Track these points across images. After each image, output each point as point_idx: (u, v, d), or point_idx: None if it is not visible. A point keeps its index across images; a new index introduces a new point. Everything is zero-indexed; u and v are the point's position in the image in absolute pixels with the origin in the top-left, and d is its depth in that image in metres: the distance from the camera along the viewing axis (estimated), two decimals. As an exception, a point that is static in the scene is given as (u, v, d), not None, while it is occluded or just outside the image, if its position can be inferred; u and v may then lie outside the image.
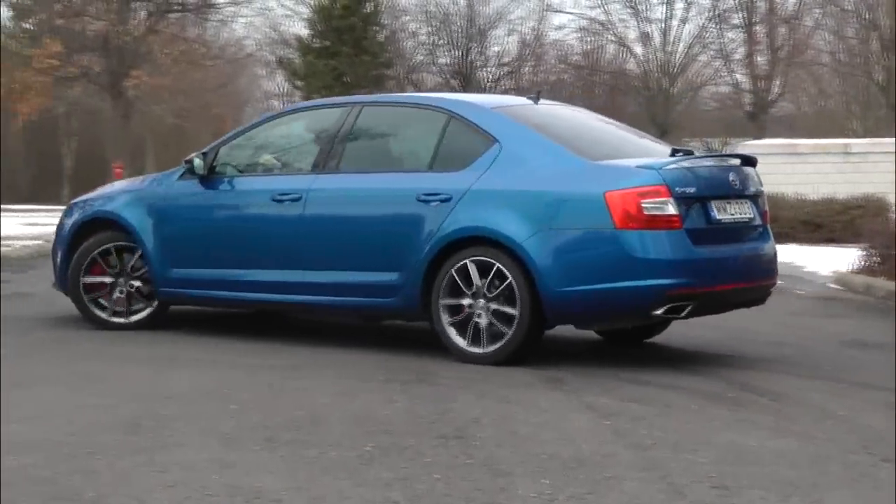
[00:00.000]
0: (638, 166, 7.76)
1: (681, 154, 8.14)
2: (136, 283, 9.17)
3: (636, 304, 7.60)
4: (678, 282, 7.54)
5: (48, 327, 9.28)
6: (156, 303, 9.17)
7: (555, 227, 7.65)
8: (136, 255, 9.13)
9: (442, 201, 7.98)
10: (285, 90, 50.64)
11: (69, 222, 9.54)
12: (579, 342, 8.92)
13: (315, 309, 8.86)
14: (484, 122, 8.19)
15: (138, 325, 9.14)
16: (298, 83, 43.89)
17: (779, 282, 8.84)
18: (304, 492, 4.71)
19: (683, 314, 7.70)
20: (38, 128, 44.60)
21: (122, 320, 9.17)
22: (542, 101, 8.90)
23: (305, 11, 46.20)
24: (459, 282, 7.85)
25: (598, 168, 7.79)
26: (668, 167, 7.74)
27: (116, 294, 9.20)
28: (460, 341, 7.85)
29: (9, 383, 6.93)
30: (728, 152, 9.81)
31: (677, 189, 7.63)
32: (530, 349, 7.84)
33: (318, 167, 8.66)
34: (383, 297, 8.19)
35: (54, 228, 9.97)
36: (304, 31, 45.76)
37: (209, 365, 7.68)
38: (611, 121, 9.32)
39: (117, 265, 9.20)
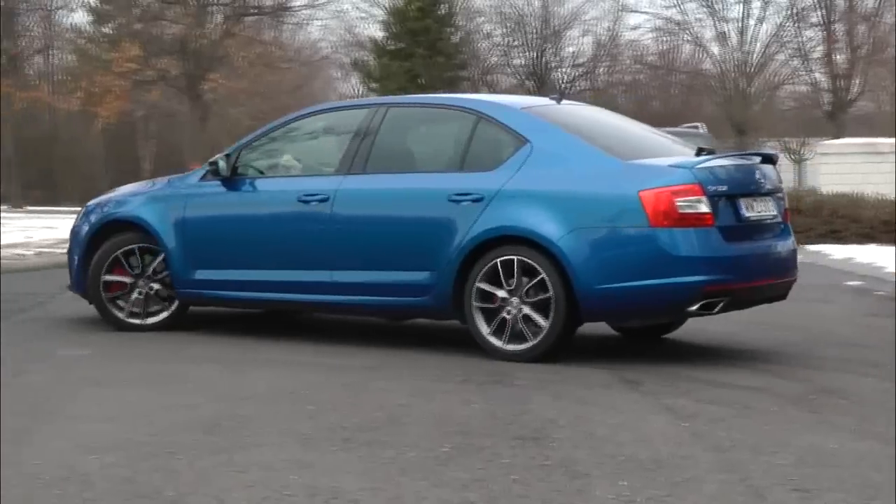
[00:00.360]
0: (670, 165, 7.91)
1: (705, 154, 8.25)
2: (156, 286, 9.19)
3: (672, 300, 7.78)
4: (713, 278, 7.70)
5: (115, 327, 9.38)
6: (173, 305, 9.20)
7: (589, 226, 7.79)
8: (159, 258, 9.15)
9: (474, 201, 8.08)
10: (360, 92, 50.87)
11: (86, 225, 9.52)
12: (655, 344, 8.87)
13: (342, 309, 8.94)
14: (514, 122, 8.31)
15: (155, 328, 9.15)
16: (373, 85, 44.02)
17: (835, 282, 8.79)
18: (382, 492, 4.72)
19: (716, 310, 7.85)
20: (117, 131, 45.09)
21: (138, 321, 9.18)
22: (563, 101, 9.04)
23: (380, 14, 46.40)
24: (492, 280, 7.95)
25: (631, 167, 7.92)
26: (700, 166, 7.87)
27: (135, 295, 9.20)
28: (493, 339, 7.95)
29: (88, 382, 7.03)
30: (750, 151, 9.99)
31: (709, 187, 7.78)
32: (563, 346, 7.93)
33: (345, 168, 8.71)
34: (414, 296, 8.29)
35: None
36: (378, 34, 45.91)
37: (285, 365, 7.73)
38: (633, 121, 9.51)
39: (138, 267, 9.22)
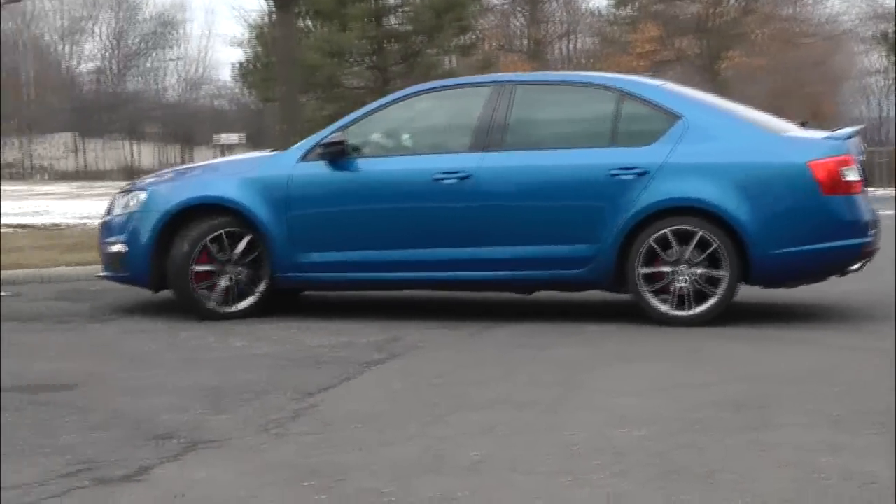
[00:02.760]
0: (824, 138, 8.57)
1: (805, 127, 9.05)
2: (243, 271, 8.97)
3: (837, 261, 8.50)
4: (869, 240, 8.51)
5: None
6: (258, 291, 8.94)
7: (761, 195, 8.30)
8: (245, 241, 8.91)
9: (638, 175, 8.37)
10: (883, 66, 48.81)
11: (153, 208, 9.03)
12: None
13: (485, 284, 8.87)
14: (661, 98, 8.71)
15: (241, 315, 8.89)
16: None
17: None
18: (920, 480, 4.51)
19: (857, 268, 8.66)
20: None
21: (229, 309, 8.92)
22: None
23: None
24: (659, 250, 8.35)
25: (790, 140, 8.60)
26: (846, 139, 8.55)
27: (223, 282, 8.94)
28: (662, 306, 8.40)
29: (616, 357, 7.20)
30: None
31: (856, 157, 8.50)
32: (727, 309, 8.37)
33: (481, 146, 8.75)
34: (572, 268, 8.53)
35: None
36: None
37: (808, 344, 7.56)
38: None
39: (225, 252, 8.94)
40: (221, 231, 8.91)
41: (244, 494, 4.39)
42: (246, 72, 33.28)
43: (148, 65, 67.34)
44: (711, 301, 8.38)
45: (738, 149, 8.46)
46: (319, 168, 8.91)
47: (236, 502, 4.30)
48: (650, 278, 8.44)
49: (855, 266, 8.60)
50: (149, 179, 9.67)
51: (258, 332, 8.18)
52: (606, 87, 8.92)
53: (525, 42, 51.69)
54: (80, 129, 58.28)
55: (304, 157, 8.98)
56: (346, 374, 6.71)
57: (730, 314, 8.53)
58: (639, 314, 8.53)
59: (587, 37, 51.18)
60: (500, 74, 10.71)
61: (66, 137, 57.39)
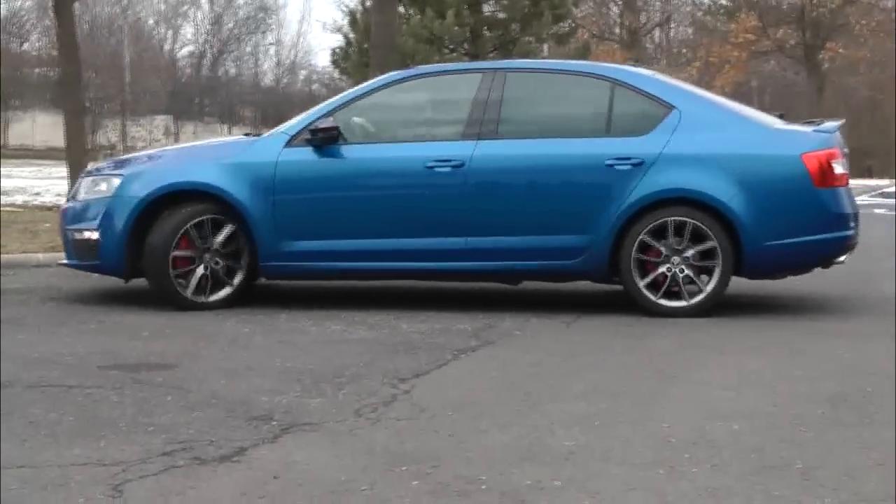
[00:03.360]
0: (813, 131, 8.67)
1: (782, 120, 9.07)
2: (221, 260, 8.64)
3: (826, 253, 8.60)
4: (853, 232, 8.64)
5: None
6: (235, 281, 8.67)
7: (756, 187, 8.36)
8: (225, 230, 8.61)
9: (634, 165, 8.37)
10: None
11: (131, 193, 8.61)
12: None
13: (478, 274, 8.78)
14: (653, 89, 8.72)
15: (216, 306, 8.59)
16: None
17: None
18: None
19: (843, 260, 8.79)
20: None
21: (203, 299, 8.60)
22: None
23: None
24: (653, 241, 8.37)
25: (782, 132, 8.71)
26: (833, 132, 8.65)
27: (200, 271, 8.60)
28: (655, 297, 8.40)
29: (710, 349, 7.15)
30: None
31: (843, 150, 8.62)
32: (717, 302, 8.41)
33: (473, 133, 8.64)
34: (565, 259, 8.47)
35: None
36: None
37: (868, 340, 7.46)
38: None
39: (203, 240, 8.61)
40: (203, 218, 8.57)
41: (341, 478, 4.42)
42: (340, 57, 33.40)
43: (246, 49, 67.99)
44: (704, 293, 8.43)
45: (733, 140, 8.52)
46: (307, 154, 8.67)
47: (332, 485, 4.34)
48: (643, 269, 8.46)
49: (842, 258, 8.72)
50: (119, 163, 9.35)
51: (354, 317, 8.23)
52: (598, 76, 8.91)
53: (621, 31, 51.41)
54: (177, 112, 59.03)
55: (290, 143, 8.69)
56: (440, 361, 6.73)
57: (818, 307, 8.43)
58: (729, 306, 8.45)
59: (684, 26, 50.83)
60: (488, 62, 10.69)
61: (163, 120, 58.18)
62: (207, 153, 9.17)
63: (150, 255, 8.55)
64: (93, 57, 44.92)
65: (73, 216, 8.92)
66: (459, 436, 5.05)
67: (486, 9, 30.84)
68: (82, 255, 8.82)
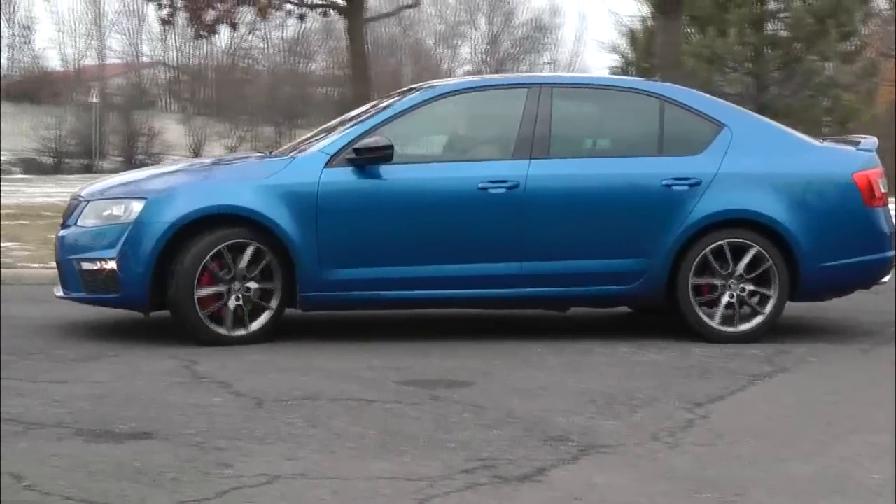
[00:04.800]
0: (858, 149, 8.47)
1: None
2: (254, 287, 7.81)
3: (874, 274, 8.43)
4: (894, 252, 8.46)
5: None
6: (269, 311, 7.85)
7: (810, 207, 8.19)
8: (266, 258, 7.80)
9: (691, 185, 8.08)
10: None
11: (157, 218, 7.75)
12: None
13: (533, 301, 8.37)
14: (703, 106, 8.46)
15: (255, 338, 7.79)
16: None
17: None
18: None
19: (886, 280, 8.61)
20: None
21: (242, 332, 7.79)
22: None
23: None
24: (712, 264, 8.08)
25: (831, 151, 8.58)
26: (875, 150, 8.47)
27: (233, 302, 7.78)
28: (713, 322, 8.10)
29: None
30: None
31: (882, 169, 8.48)
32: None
33: (525, 152, 8.15)
34: (622, 283, 8.12)
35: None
36: None
37: None
38: None
39: (232, 268, 7.78)
40: (232, 242, 7.78)
41: (643, 502, 4.40)
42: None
43: (522, 69, 68.71)
44: (762, 317, 8.14)
45: (785, 159, 8.33)
46: (351, 175, 7.98)
47: (635, 509, 4.32)
48: (699, 293, 8.13)
49: (885, 279, 8.57)
50: (130, 185, 8.30)
51: (643, 340, 8.18)
52: (646, 93, 8.58)
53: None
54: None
55: (331, 162, 7.99)
56: (735, 386, 6.62)
57: None
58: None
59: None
60: (531, 76, 10.18)
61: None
62: (238, 173, 8.44)
63: (179, 289, 7.70)
64: (375, 76, 46.22)
65: (77, 244, 8.00)
66: (761, 464, 4.96)
67: (769, 27, 30.29)
68: (95, 287, 7.89)
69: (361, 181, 7.98)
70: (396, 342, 8.03)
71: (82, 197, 8.23)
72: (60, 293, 8.22)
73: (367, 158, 7.94)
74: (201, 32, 22.72)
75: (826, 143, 8.82)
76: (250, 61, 51.89)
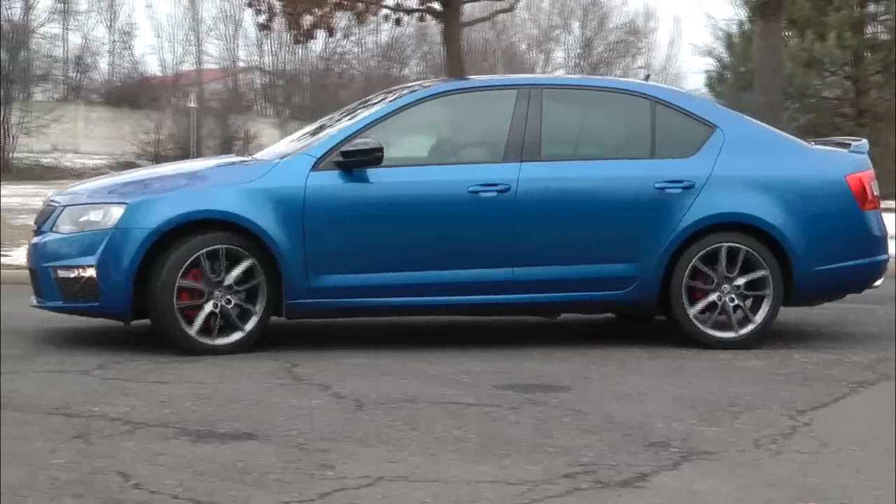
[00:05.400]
0: (850, 151, 8.40)
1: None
2: (233, 298, 7.54)
3: (867, 278, 8.35)
4: (888, 256, 8.47)
5: None
6: (250, 322, 7.56)
7: (804, 210, 8.07)
8: (243, 264, 7.54)
9: (685, 188, 7.96)
10: None
11: (138, 223, 7.50)
12: None
13: (524, 308, 8.18)
14: (695, 107, 8.35)
15: (239, 347, 7.54)
16: None
17: None
18: None
19: (878, 284, 8.51)
20: None
21: (225, 341, 7.55)
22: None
23: None
24: (706, 268, 7.94)
25: (823, 153, 8.47)
26: (866, 152, 8.40)
27: (209, 309, 7.53)
28: (706, 328, 7.96)
29: None
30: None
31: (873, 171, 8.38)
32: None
33: (516, 155, 7.98)
34: (615, 289, 7.97)
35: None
36: None
37: None
38: None
39: (214, 274, 7.54)
40: (214, 248, 7.54)
41: (747, 509, 4.37)
42: (715, 80, 33.08)
43: (615, 73, 68.42)
44: (755, 323, 8.03)
45: (778, 161, 8.24)
46: (338, 178, 7.77)
47: (739, 517, 4.29)
48: (691, 298, 7.98)
49: (878, 282, 8.48)
50: (105, 190, 8.04)
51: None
52: (637, 94, 8.41)
53: None
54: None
55: (317, 165, 7.76)
56: (838, 393, 6.54)
57: None
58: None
59: None
60: (520, 77, 9.98)
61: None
62: (221, 177, 8.11)
63: (158, 293, 7.47)
64: (469, 82, 46.25)
65: (53, 251, 7.72)
66: (866, 472, 4.91)
67: (869, 30, 29.87)
68: (73, 295, 7.63)
69: (350, 185, 7.77)
70: (493, 346, 8.06)
71: (57, 202, 7.97)
72: (35, 302, 7.98)
73: (356, 161, 7.74)
74: (299, 38, 22.91)
75: (818, 146, 8.71)
76: (344, 66, 52.29)
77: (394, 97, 8.37)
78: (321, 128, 8.56)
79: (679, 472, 4.91)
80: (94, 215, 7.66)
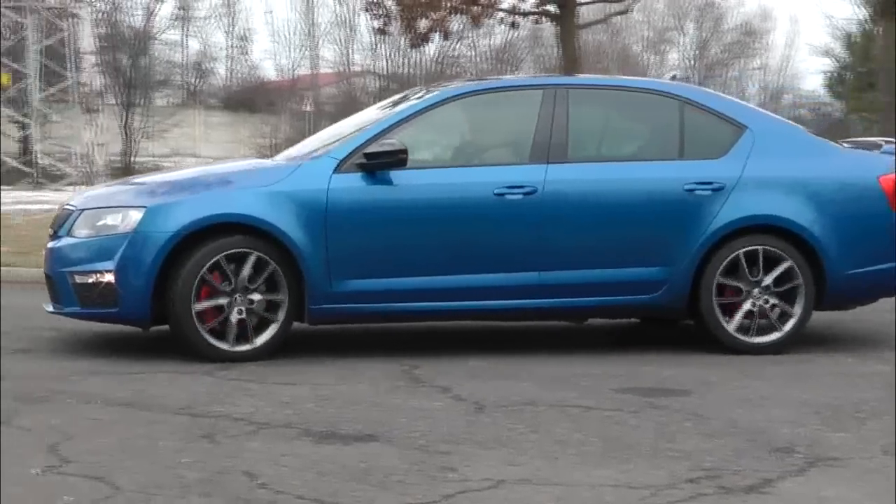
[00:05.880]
0: (881, 152, 8.18)
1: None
2: (256, 298, 7.36)
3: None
4: None
5: None
6: (278, 323, 7.39)
7: (837, 212, 7.88)
8: (272, 269, 7.36)
9: (714, 190, 7.77)
10: None
11: (159, 227, 7.32)
12: None
13: (550, 313, 7.98)
14: (724, 108, 8.19)
15: (261, 352, 7.36)
16: None
17: None
18: None
19: None
20: None
21: (246, 347, 7.36)
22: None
23: None
24: (734, 271, 7.75)
25: (855, 154, 8.29)
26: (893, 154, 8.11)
27: (234, 315, 7.33)
28: (735, 331, 7.76)
29: None
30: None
31: None
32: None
33: (542, 157, 7.79)
34: (644, 293, 7.76)
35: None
36: None
37: None
38: None
39: (233, 279, 7.34)
40: (236, 252, 7.39)
41: (876, 517, 4.30)
42: (834, 81, 32.61)
43: (731, 74, 67.67)
44: (787, 327, 7.82)
45: (809, 163, 8.05)
46: (362, 181, 7.58)
47: (868, 525, 4.22)
48: (723, 302, 7.78)
49: None
50: (122, 194, 7.93)
51: (865, 349, 7.96)
52: (665, 94, 8.25)
53: None
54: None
55: (340, 168, 7.58)
56: (967, 400, 6.40)
57: None
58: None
59: None
60: (547, 77, 9.76)
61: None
62: (243, 180, 7.85)
63: (176, 303, 7.31)
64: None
65: (70, 257, 7.57)
66: None
67: None
68: (90, 301, 7.47)
69: (373, 188, 7.59)
70: (612, 350, 8.02)
71: (74, 206, 7.80)
72: (51, 308, 7.84)
73: (379, 163, 7.56)
74: (415, 41, 23.05)
75: (848, 147, 8.52)
76: (458, 69, 52.42)
77: (418, 98, 8.28)
78: (340, 129, 8.50)
79: (805, 478, 4.85)
80: (112, 219, 7.51)
